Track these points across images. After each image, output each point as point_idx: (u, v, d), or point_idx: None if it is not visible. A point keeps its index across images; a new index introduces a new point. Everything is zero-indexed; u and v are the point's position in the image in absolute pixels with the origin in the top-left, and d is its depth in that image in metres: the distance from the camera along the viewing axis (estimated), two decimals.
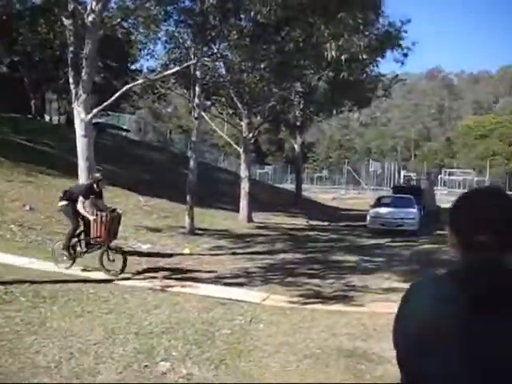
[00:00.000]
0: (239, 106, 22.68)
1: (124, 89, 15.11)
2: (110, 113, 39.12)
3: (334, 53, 13.09)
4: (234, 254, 14.34)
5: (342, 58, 13.65)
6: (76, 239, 10.53)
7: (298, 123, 31.66)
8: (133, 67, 35.30)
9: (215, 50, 17.74)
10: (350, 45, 13.42)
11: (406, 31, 21.19)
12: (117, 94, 14.18)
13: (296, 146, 34.19)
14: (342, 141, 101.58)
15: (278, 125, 34.26)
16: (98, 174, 10.97)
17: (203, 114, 21.57)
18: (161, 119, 77.47)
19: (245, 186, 22.75)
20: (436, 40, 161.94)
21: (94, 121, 13.83)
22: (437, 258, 14.02)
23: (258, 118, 25.04)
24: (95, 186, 10.53)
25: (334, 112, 30.22)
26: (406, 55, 22.36)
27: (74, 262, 10.44)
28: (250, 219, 22.37)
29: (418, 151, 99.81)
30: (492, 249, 1.48)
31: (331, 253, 15.55)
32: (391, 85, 28.46)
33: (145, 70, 28.95)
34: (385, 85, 28.00)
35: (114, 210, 10.89)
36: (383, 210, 21.92)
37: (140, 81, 18.98)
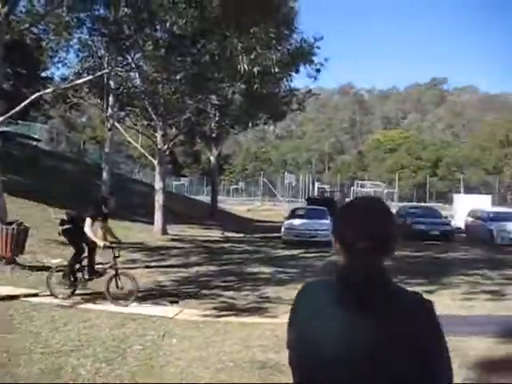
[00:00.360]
0: (154, 117, 22.42)
1: (33, 97, 14.55)
2: (19, 122, 37.54)
3: (246, 66, 13.24)
4: (147, 267, 14.07)
5: (254, 70, 13.82)
6: (78, 266, 9.63)
7: (214, 135, 31.72)
8: (44, 75, 34.08)
9: (130, 60, 17.48)
10: (263, 58, 13.63)
11: (318, 47, 21.68)
12: (25, 102, 13.64)
13: (212, 158, 34.21)
14: (257, 153, 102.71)
15: (193, 137, 34.20)
16: (103, 195, 10.09)
17: (117, 124, 21.16)
18: (74, 129, 75.15)
19: (159, 198, 22.45)
20: (349, 57, 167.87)
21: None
22: None
23: (174, 129, 24.87)
24: (103, 206, 9.71)
25: (250, 124, 30.52)
26: (318, 71, 22.93)
27: (74, 291, 9.50)
28: (164, 232, 22.09)
29: (331, 164, 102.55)
30: (371, 254, 1.61)
31: (246, 264, 15.60)
32: (305, 99, 29.10)
33: (57, 79, 28.12)
34: (299, 99, 28.59)
35: (21, 224, 10.40)
36: (297, 222, 22.29)
37: (50, 89, 18.37)
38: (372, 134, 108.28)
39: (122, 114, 23.88)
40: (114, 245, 9.56)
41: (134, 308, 8.99)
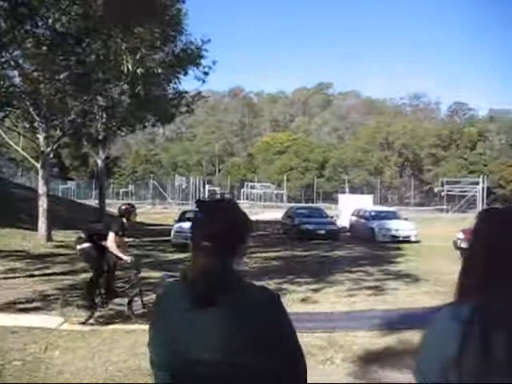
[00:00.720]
0: (36, 118, 21.39)
1: None
2: None
3: (130, 66, 12.96)
4: (30, 276, 13.41)
5: (138, 71, 13.56)
6: (97, 286, 8.86)
7: (101, 137, 30.77)
8: None
9: (7, 58, 16.55)
10: (147, 59, 13.41)
11: (206, 50, 21.71)
12: None
13: (99, 161, 33.23)
14: (147, 155, 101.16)
15: (79, 139, 32.94)
16: (124, 207, 9.15)
17: None
18: None
19: (43, 203, 21.47)
20: (238, 60, 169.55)
21: None
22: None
23: (58, 131, 23.85)
24: (124, 220, 8.89)
25: (138, 127, 29.97)
26: (206, 74, 22.93)
27: (92, 314, 8.71)
28: (49, 238, 21.15)
29: (222, 166, 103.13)
30: (214, 253, 1.70)
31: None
32: (194, 101, 28.98)
33: None
34: (188, 101, 28.41)
35: None
36: (187, 225, 22.11)
37: None
38: (261, 137, 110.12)
39: (1, 114, 22.56)
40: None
41: (14, 320, 8.52)
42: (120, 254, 8.70)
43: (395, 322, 8.62)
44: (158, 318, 1.78)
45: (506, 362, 1.34)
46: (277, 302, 1.72)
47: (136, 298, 9.01)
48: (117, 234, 8.67)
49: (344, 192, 62.41)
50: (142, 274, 14.10)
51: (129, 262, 8.86)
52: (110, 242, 8.52)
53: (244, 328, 1.60)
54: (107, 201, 37.98)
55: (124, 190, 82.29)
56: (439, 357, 1.42)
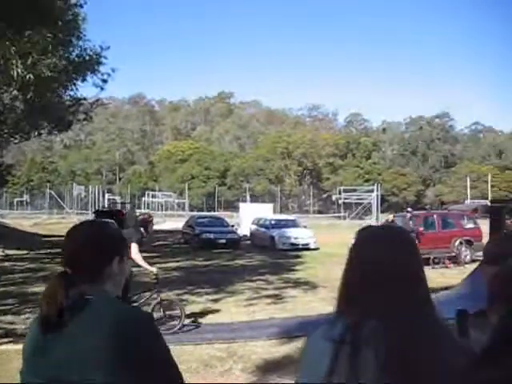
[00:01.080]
0: None
1: None
2: None
3: (20, 71, 12.37)
4: None
5: (28, 77, 12.96)
6: None
7: None
8: None
9: None
10: (40, 65, 12.86)
11: (105, 57, 21.18)
12: None
13: None
14: (44, 163, 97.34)
15: None
16: (142, 217, 8.82)
17: None
18: None
19: None
20: (140, 67, 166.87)
21: None
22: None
23: None
24: (142, 229, 8.45)
25: (33, 134, 28.70)
26: (105, 81, 22.35)
27: None
28: None
29: (122, 174, 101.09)
30: (70, 279, 1.70)
31: (28, 284, 14.55)
32: (92, 109, 28.17)
33: None
34: (86, 108, 27.57)
35: None
36: None
37: None
38: (163, 145, 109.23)
39: None
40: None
41: None
42: (145, 265, 8.49)
43: (293, 330, 8.76)
44: (27, 340, 1.73)
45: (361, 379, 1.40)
46: (148, 321, 1.71)
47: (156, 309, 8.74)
48: (139, 244, 8.40)
49: (245, 200, 63.02)
50: (37, 289, 13.55)
51: (154, 272, 8.60)
52: (135, 253, 8.14)
53: (109, 348, 1.56)
54: (0, 211, 36.04)
55: (19, 199, 78.96)
56: (313, 372, 1.47)
